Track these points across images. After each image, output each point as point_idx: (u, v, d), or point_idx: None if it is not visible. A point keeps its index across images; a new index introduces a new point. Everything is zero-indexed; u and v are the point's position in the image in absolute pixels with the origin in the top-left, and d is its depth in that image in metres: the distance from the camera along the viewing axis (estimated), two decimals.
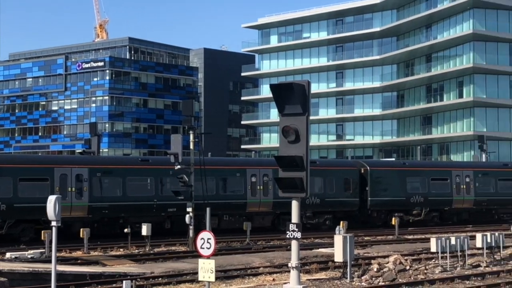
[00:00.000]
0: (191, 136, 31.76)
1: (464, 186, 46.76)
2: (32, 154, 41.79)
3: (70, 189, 34.78)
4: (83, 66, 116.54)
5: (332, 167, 44.38)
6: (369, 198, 43.37)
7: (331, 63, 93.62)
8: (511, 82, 77.17)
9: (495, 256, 27.15)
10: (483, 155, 64.71)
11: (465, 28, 76.94)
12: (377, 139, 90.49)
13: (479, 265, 25.81)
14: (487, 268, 25.20)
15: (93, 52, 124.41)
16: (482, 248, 26.89)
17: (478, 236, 26.88)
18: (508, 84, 77.08)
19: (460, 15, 78.01)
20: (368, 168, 44.07)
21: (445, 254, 25.23)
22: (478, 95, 76.13)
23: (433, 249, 25.53)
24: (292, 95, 14.51)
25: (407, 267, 24.35)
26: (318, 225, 41.50)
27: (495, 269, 24.96)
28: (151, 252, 30.61)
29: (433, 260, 26.48)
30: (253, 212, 39.58)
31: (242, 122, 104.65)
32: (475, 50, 76.28)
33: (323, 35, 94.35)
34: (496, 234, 27.17)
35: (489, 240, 26.59)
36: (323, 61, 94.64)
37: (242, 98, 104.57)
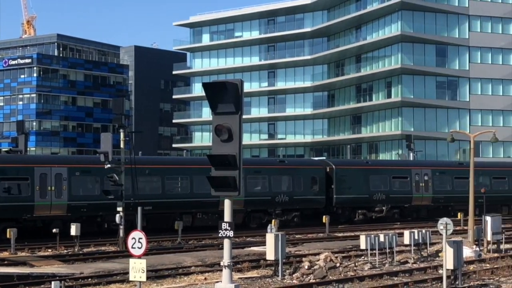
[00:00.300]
0: (122, 135, 31.39)
1: (423, 184, 48.73)
2: (12, 154, 42.17)
3: (50, 188, 35.18)
4: (10, 63, 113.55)
5: (300, 166, 46.03)
6: (334, 196, 44.81)
7: (263, 62, 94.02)
8: (438, 83, 79.13)
9: (422, 253, 27.79)
10: (411, 154, 66.18)
11: (393, 29, 78.52)
12: (308, 138, 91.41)
13: (407, 262, 26.37)
14: (414, 265, 25.77)
15: (20, 48, 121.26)
16: (409, 245, 27.50)
17: (406, 233, 27.47)
18: (435, 85, 79.02)
19: (389, 17, 79.56)
20: (334, 167, 45.60)
21: (374, 251, 25.68)
22: (406, 95, 77.79)
23: (363, 246, 25.96)
24: (225, 94, 14.51)
25: (337, 264, 24.66)
26: (287, 222, 42.47)
27: (422, 265, 25.55)
28: (80, 252, 30.10)
29: (363, 257, 26.93)
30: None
31: (174, 121, 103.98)
32: (403, 51, 77.91)
33: (255, 35, 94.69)
34: (423, 231, 27.84)
35: (416, 237, 27.20)
36: (255, 60, 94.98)
37: (174, 97, 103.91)
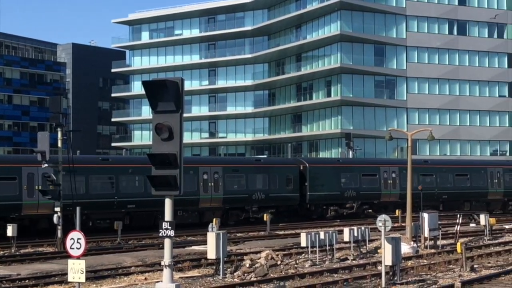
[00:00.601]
0: (59, 134, 30.82)
1: (391, 181, 50.83)
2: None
3: (37, 187, 35.58)
4: None
5: (275, 165, 47.94)
6: (308, 193, 46.59)
7: (203, 60, 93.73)
8: (376, 82, 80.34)
9: (361, 250, 28.14)
10: (350, 152, 67.06)
11: (332, 29, 79.33)
12: (249, 137, 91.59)
13: (346, 259, 26.65)
14: (354, 261, 26.07)
15: None
16: (349, 242, 27.80)
17: (346, 230, 27.76)
18: (373, 84, 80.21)
19: (328, 16, 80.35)
20: (307, 165, 47.39)
21: (315, 249, 25.88)
22: (345, 94, 78.71)
23: (303, 243, 26.13)
24: (165, 92, 14.34)
25: (279, 262, 24.75)
26: (263, 219, 43.04)
27: (361, 262, 25.85)
28: (17, 253, 29.42)
29: (303, 254, 27.09)
30: (205, 208, 42.31)
31: (113, 119, 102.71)
32: (342, 51, 78.81)
33: (195, 33, 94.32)
34: (363, 228, 28.19)
35: (356, 234, 27.53)
36: (195, 59, 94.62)
37: (113, 95, 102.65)
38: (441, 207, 52.84)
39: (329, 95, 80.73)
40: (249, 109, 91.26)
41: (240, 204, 44.18)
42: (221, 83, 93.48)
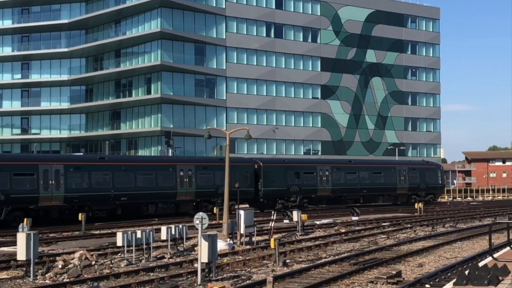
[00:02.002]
0: None
1: (325, 178, 59.53)
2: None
3: (51, 182, 42.27)
4: None
5: (236, 163, 51.98)
6: (262, 189, 54.89)
7: (16, 53, 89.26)
8: (196, 81, 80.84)
9: (179, 248, 28.08)
10: (170, 150, 66.97)
11: (153, 26, 78.78)
12: (64, 134, 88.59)
13: (163, 257, 26.47)
14: (171, 259, 25.95)
15: None
16: (167, 240, 27.64)
17: (163, 228, 27.59)
18: (194, 82, 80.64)
19: (149, 13, 79.68)
20: (262, 164, 55.61)
21: (131, 248, 25.44)
22: (165, 92, 78.47)
23: (119, 243, 25.59)
24: None
25: (93, 262, 24.09)
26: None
27: (178, 259, 25.79)
28: None
29: (119, 254, 26.55)
30: (181, 200, 49.66)
31: None
32: (163, 48, 78.49)
33: (8, 24, 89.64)
34: (180, 226, 28.15)
35: (173, 232, 27.42)
36: (7, 51, 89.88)
37: None
38: (361, 200, 63.08)
39: (149, 92, 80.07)
40: (65, 105, 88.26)
41: (208, 197, 51.20)
42: (35, 77, 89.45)
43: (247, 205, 51.61)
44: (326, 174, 59.39)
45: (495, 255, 17.87)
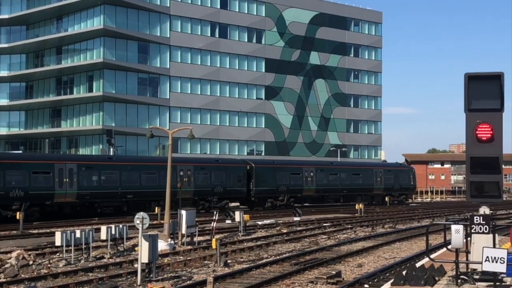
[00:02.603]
0: None
1: (310, 179, 62.77)
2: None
3: (65, 180, 45.78)
4: None
5: (230, 165, 58.32)
6: (254, 188, 58.43)
7: None
8: (139, 79, 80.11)
9: (119, 248, 27.77)
10: (111, 149, 66.19)
11: (96, 23, 77.74)
12: (3, 131, 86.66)
13: (103, 257, 26.14)
14: (110, 260, 25.64)
15: None
16: (107, 240, 27.30)
17: (103, 228, 27.24)
18: (136, 81, 79.90)
19: (91, 10, 78.60)
20: (253, 165, 59.23)
21: (70, 248, 25.05)
22: (108, 90, 77.51)
23: (58, 243, 25.15)
24: None
25: (31, 262, 23.63)
26: (222, 207, 54.11)
27: (118, 260, 25.50)
28: None
29: (58, 254, 26.12)
30: (181, 198, 52.85)
31: None
32: (106, 46, 77.52)
33: None
34: (121, 226, 27.85)
35: (113, 232, 27.11)
36: None
37: None
38: (341, 199, 66.55)
39: (90, 90, 78.97)
40: (4, 102, 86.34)
41: (205, 196, 54.87)
42: None
43: (238, 204, 59.96)
44: (311, 175, 62.82)
45: (432, 256, 18.22)
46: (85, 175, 47.34)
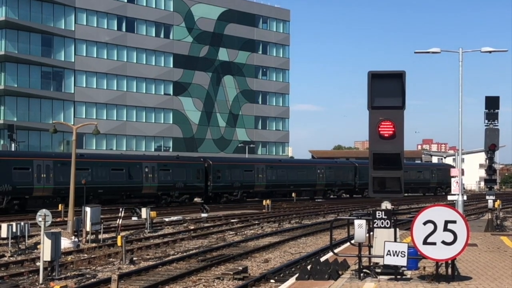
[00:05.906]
0: None
1: (261, 175, 66.21)
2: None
3: (43, 175, 48.36)
4: None
5: (190, 162, 61.39)
6: (211, 184, 61.61)
7: None
8: (43, 73, 78.01)
9: (20, 246, 26.97)
10: (13, 145, 64.19)
11: None
12: None
13: (3, 255, 25.33)
14: (11, 258, 24.88)
15: None
16: (7, 238, 26.47)
17: (4, 226, 26.40)
18: (40, 75, 77.76)
19: None
20: (211, 163, 62.22)
21: None
22: (9, 84, 75.08)
23: None
24: None
25: None
26: (182, 201, 58.85)
27: (19, 258, 24.77)
28: None
29: None
30: (146, 193, 56.63)
31: None
32: (7, 38, 75.04)
33: None
34: (22, 223, 27.07)
35: (14, 230, 26.32)
36: None
37: None
38: (288, 195, 69.04)
39: None
40: None
41: (168, 191, 57.88)
42: None
43: (201, 199, 62.38)
44: (262, 172, 66.37)
45: (336, 250, 18.55)
46: (60, 171, 48.82)
